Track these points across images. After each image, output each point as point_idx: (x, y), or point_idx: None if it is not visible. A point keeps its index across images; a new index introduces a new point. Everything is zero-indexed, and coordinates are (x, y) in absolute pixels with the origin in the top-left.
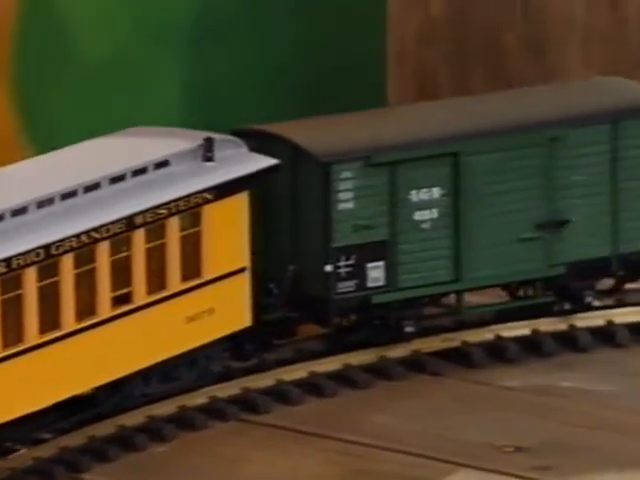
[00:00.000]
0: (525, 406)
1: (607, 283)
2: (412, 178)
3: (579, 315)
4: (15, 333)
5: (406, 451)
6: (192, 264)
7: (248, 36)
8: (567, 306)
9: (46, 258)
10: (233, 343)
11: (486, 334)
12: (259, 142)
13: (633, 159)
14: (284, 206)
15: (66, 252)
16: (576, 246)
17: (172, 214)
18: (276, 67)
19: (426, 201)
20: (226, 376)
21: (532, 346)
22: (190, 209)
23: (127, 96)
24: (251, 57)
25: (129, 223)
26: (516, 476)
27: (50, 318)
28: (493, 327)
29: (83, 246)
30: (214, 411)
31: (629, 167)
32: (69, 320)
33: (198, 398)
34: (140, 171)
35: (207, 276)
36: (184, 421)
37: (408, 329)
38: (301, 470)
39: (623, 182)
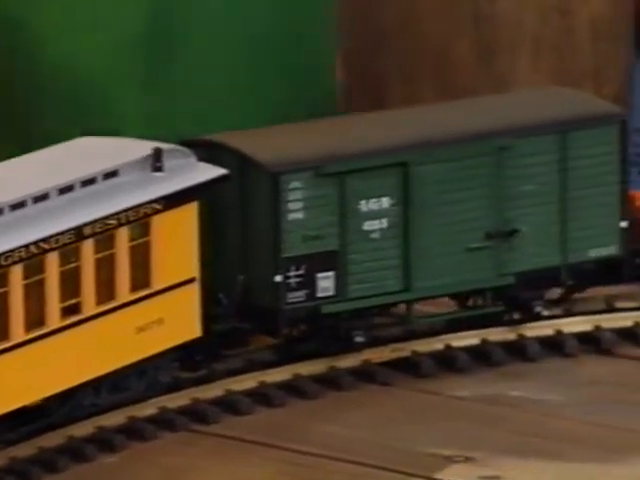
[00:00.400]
0: (474, 416)
1: (556, 293)
2: (361, 188)
3: (528, 325)
4: None
5: (356, 461)
6: (141, 274)
7: (206, 53)
8: (516, 316)
9: None
10: (183, 353)
11: (436, 344)
12: (208, 152)
13: (581, 169)
14: (234, 216)
15: (15, 263)
16: (525, 256)
17: (121, 224)
18: (227, 79)
19: (375, 211)
20: (176, 386)
21: (481, 356)
22: (139, 219)
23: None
24: (205, 73)
25: (78, 234)
26: None
27: None
28: (443, 337)
29: (32, 257)
30: (163, 421)
31: (578, 177)
32: (18, 331)
33: (148, 408)
34: (89, 181)
35: (156, 286)
36: (134, 431)
37: (358, 339)
38: None
39: (572, 192)
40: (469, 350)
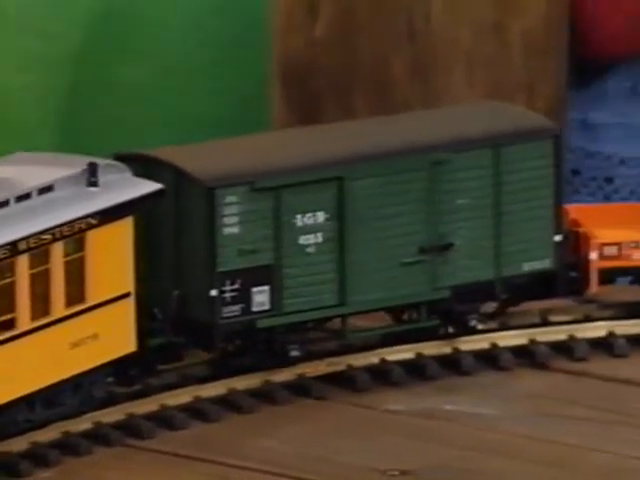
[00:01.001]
0: (410, 429)
1: (491, 306)
2: (297, 202)
3: (463, 338)
4: None
5: (291, 475)
6: (76, 289)
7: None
8: (451, 329)
9: None
10: (117, 368)
11: (371, 358)
12: (143, 167)
13: (515, 183)
14: (169, 231)
15: None
16: (460, 270)
17: (56, 239)
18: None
19: (311, 225)
20: (110, 401)
21: (416, 369)
22: (74, 234)
23: None
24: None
25: (13, 249)
26: None
27: None
28: (378, 351)
29: None
30: (98, 436)
31: (512, 191)
32: None
33: (82, 424)
34: (24, 197)
35: (91, 301)
36: (68, 447)
37: (293, 353)
38: None
39: (506, 206)
40: (404, 364)
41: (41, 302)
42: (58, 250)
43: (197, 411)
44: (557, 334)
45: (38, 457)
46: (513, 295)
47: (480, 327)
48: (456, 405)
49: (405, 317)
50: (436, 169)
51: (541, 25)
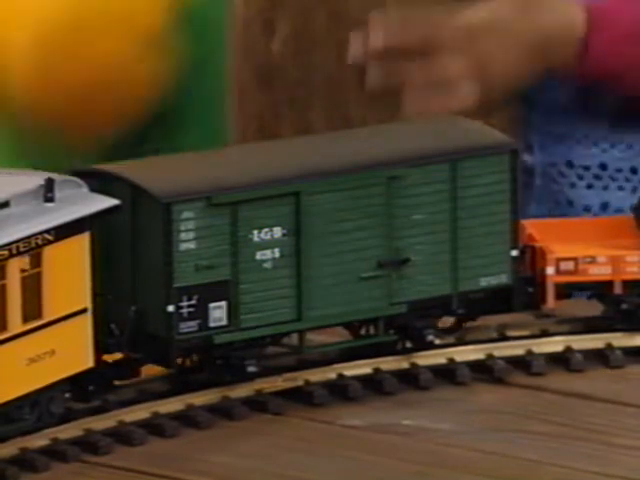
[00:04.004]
0: (367, 445)
1: (448, 321)
2: (253, 218)
3: (421, 353)
4: None
5: None
6: (33, 305)
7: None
8: (409, 344)
9: None
10: (75, 384)
11: (328, 373)
12: (100, 182)
13: (472, 198)
14: (125, 246)
15: None
16: (417, 285)
17: (12, 255)
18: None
19: (268, 241)
20: (68, 417)
21: (374, 384)
22: (31, 250)
23: None
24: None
25: None
26: None
27: None
28: (335, 366)
29: None
30: (55, 453)
31: (468, 206)
32: None
33: (39, 440)
34: None
35: (48, 317)
36: (25, 463)
37: (251, 369)
38: None
39: (463, 221)
40: (362, 379)
41: None
42: (15, 266)
43: (155, 427)
44: (514, 349)
45: None
46: (470, 310)
47: (437, 342)
48: (414, 420)
49: (363, 332)
50: (393, 184)
51: None
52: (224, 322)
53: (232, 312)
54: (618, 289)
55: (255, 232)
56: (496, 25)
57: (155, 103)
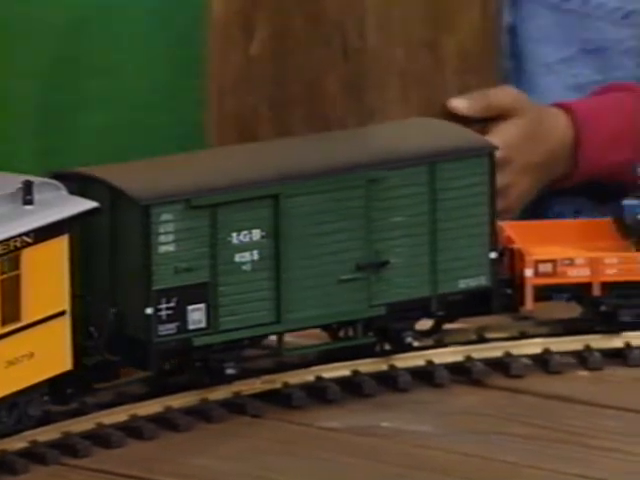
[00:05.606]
0: (345, 446)
1: (427, 323)
2: (232, 220)
3: (399, 355)
4: None
5: None
6: (11, 308)
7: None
8: (387, 346)
9: None
10: (53, 387)
11: (307, 375)
12: (79, 185)
13: (451, 200)
14: (105, 249)
15: None
16: (396, 287)
17: None
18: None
19: (247, 243)
20: (46, 420)
21: (353, 387)
22: (9, 252)
23: None
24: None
25: None
26: None
27: None
28: (314, 368)
29: None
30: (34, 455)
31: (447, 208)
32: None
33: (18, 442)
34: None
35: (26, 320)
36: (4, 465)
37: (229, 371)
38: None
39: (441, 223)
40: (340, 381)
41: None
42: None
43: (133, 429)
44: (493, 351)
45: None
46: (449, 312)
47: (416, 344)
48: (393, 422)
49: (342, 334)
50: (372, 187)
51: (474, 44)
52: (203, 324)
53: (211, 314)
54: (597, 291)
55: (234, 234)
56: (510, 156)
57: None
